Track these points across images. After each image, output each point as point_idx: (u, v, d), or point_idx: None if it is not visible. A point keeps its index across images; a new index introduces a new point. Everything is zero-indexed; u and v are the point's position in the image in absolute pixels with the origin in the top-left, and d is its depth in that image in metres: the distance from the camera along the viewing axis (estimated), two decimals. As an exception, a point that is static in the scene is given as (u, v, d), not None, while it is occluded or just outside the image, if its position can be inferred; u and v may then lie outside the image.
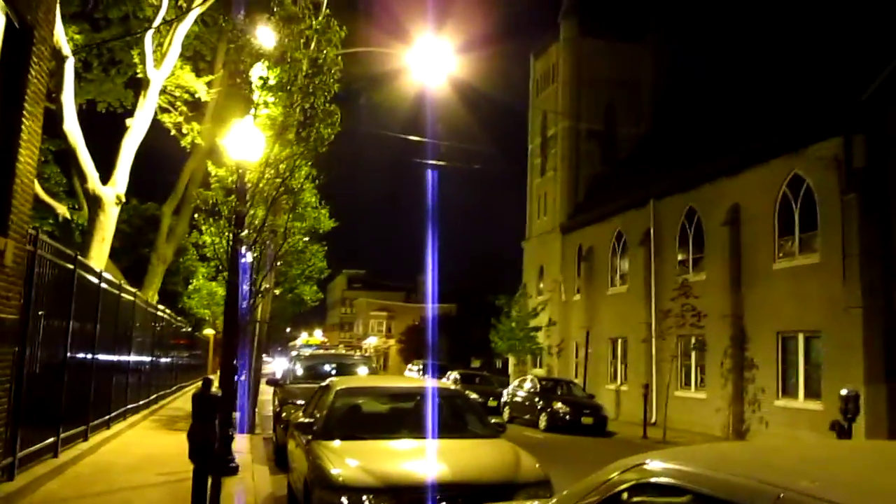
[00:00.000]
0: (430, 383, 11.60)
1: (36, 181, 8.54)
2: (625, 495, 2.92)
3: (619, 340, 32.19)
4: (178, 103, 19.63)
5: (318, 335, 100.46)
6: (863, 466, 2.66)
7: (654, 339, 27.71)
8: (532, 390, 26.73)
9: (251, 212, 10.40)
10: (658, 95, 40.86)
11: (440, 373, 36.08)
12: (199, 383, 7.62)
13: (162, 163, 26.09)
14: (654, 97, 40.94)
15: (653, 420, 25.49)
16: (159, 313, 22.06)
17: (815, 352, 20.99)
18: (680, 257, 27.82)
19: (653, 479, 2.85)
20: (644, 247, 29.84)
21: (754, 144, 23.75)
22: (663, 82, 40.54)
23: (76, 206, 21.48)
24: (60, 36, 13.92)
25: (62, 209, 18.34)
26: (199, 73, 19.91)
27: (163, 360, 23.16)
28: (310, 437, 8.15)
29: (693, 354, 26.12)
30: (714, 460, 2.88)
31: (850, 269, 19.07)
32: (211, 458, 4.78)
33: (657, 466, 2.90)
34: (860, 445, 4.93)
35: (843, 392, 14.66)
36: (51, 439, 10.08)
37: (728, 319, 23.83)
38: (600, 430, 23.94)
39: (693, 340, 25.28)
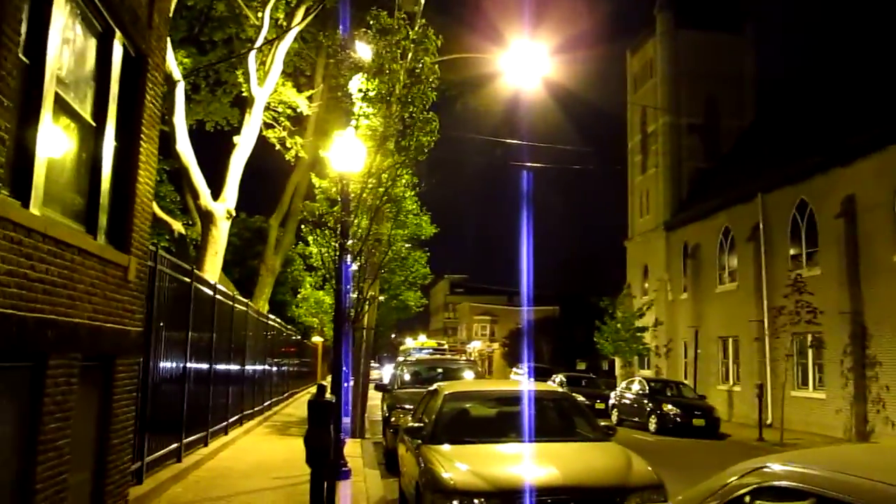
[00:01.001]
0: (536, 386, 11.55)
1: (153, 201, 9.00)
2: (746, 499, 2.84)
3: (730, 339, 31.19)
4: (282, 118, 20.30)
5: (422, 340, 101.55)
6: None
7: (766, 338, 26.74)
8: (640, 392, 26.22)
9: (355, 221, 10.63)
10: (760, 85, 39.50)
11: (545, 376, 35.84)
12: (312, 389, 7.85)
13: (268, 177, 27.00)
14: (755, 87, 39.60)
15: (768, 421, 24.58)
16: (270, 322, 22.81)
17: (944, 347, 19.76)
18: (792, 252, 26.74)
19: (775, 483, 2.77)
20: (753, 242, 28.83)
21: (868, 131, 22.60)
22: (765, 71, 39.18)
23: (190, 222, 22.50)
24: (171, 61, 14.63)
25: (177, 225, 19.25)
26: (300, 88, 20.56)
27: (274, 367, 23.92)
28: (419, 441, 8.26)
29: (809, 353, 25.04)
30: (839, 462, 2.77)
31: (981, 259, 17.90)
32: (327, 462, 4.92)
33: (779, 469, 2.82)
34: None
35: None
36: (174, 445, 10.58)
37: (846, 316, 22.74)
38: (712, 433, 23.24)
39: (809, 338, 24.24)
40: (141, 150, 7.57)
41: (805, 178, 25.83)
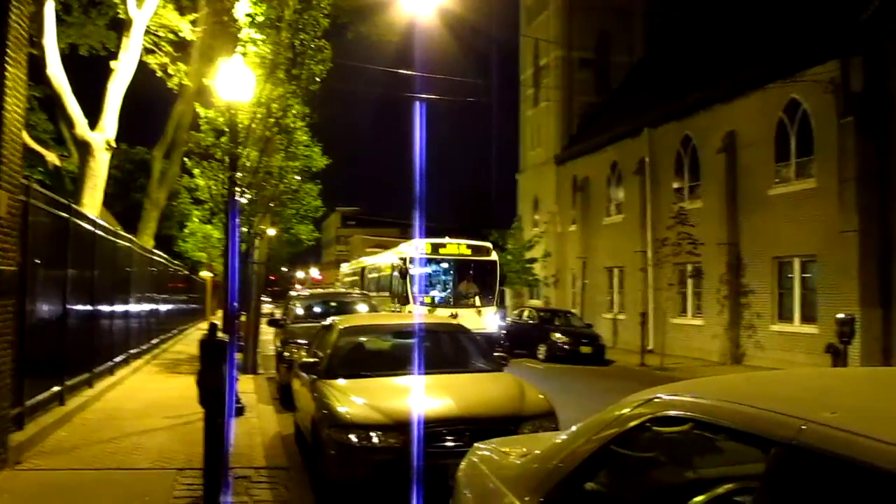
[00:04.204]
0: (431, 319, 11.66)
1: (24, 130, 8.39)
2: (641, 428, 2.92)
3: (616, 270, 32.34)
4: (163, 44, 19.20)
5: (314, 274, 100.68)
6: (870, 395, 2.67)
7: (650, 268, 27.85)
8: (530, 321, 26.96)
9: (244, 153, 10.27)
10: (651, 22, 40.20)
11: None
12: (202, 325, 7.66)
13: (150, 106, 25.72)
14: (646, 23, 40.28)
15: (650, 347, 25.80)
16: (156, 258, 22.03)
17: (811, 276, 21.12)
18: (676, 185, 27.75)
19: (666, 413, 2.86)
20: (639, 176, 29.73)
21: (750, 70, 23.44)
22: (656, 7, 39.80)
23: (66, 154, 21.25)
24: (38, -23, 13.53)
25: (52, 157, 18.15)
26: (182, 11, 19.42)
27: (162, 304, 23.23)
28: (315, 376, 8.22)
29: (689, 282, 26.28)
30: (724, 392, 2.88)
31: (846, 194, 19.04)
32: (222, 402, 4.83)
33: (669, 399, 2.91)
34: (856, 373, 4.98)
35: (840, 316, 14.79)
36: (56, 388, 10.13)
37: (724, 247, 23.91)
38: (599, 359, 24.23)
39: (689, 268, 25.40)
40: (7, 74, 7.00)
41: (689, 114, 26.69)
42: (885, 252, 18.45)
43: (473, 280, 23.56)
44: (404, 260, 23.00)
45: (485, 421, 6.87)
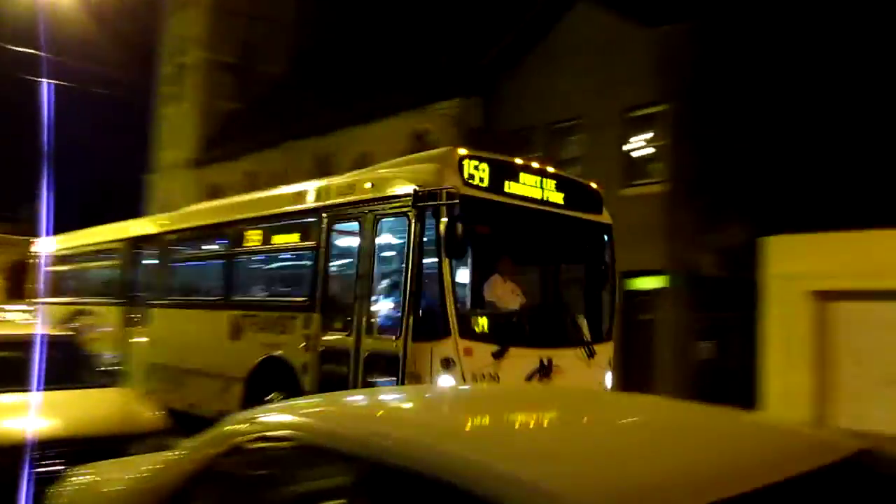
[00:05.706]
0: (39, 329, 10.60)
1: None
2: (240, 449, 3.00)
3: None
4: None
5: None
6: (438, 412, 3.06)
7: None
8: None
9: None
10: (300, 36, 40.81)
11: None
12: None
13: None
14: (296, 38, 40.77)
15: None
16: None
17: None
18: (310, 199, 28.45)
19: (265, 433, 2.98)
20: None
21: (387, 97, 24.96)
22: (304, 23, 40.62)
23: None
24: None
25: None
26: None
27: None
28: None
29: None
30: (320, 413, 3.09)
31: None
32: None
33: (268, 419, 3.05)
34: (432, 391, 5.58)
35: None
36: None
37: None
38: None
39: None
40: None
41: (328, 131, 27.60)
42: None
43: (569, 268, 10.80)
44: (434, 198, 7.78)
45: (88, 441, 6.44)
